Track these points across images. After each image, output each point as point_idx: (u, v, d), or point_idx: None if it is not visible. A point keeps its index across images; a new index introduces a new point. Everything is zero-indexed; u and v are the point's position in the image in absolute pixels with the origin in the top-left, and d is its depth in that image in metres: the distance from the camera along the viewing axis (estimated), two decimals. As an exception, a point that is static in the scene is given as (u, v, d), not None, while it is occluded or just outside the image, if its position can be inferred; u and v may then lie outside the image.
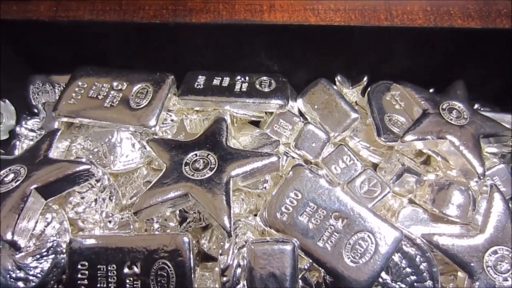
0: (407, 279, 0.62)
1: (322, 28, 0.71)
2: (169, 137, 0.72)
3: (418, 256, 0.62)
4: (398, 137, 0.70)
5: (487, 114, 0.76)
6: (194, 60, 0.81)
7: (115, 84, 0.72)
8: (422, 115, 0.71)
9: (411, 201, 0.71)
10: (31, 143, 0.73)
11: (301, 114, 0.79)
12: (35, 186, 0.58)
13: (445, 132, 0.68)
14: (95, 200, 0.66)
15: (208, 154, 0.62)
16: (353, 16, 0.71)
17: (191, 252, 0.57)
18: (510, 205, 0.66)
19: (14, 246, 0.55)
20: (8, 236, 0.54)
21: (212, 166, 0.60)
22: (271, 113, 0.75)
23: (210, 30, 0.72)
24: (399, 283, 0.62)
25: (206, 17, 0.71)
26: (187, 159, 0.62)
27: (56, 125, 0.73)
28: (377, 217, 0.61)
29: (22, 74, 0.81)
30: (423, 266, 0.62)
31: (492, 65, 0.84)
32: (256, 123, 0.79)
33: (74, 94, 0.72)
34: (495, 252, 0.61)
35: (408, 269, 0.62)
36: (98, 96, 0.71)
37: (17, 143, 0.73)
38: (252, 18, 0.70)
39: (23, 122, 0.76)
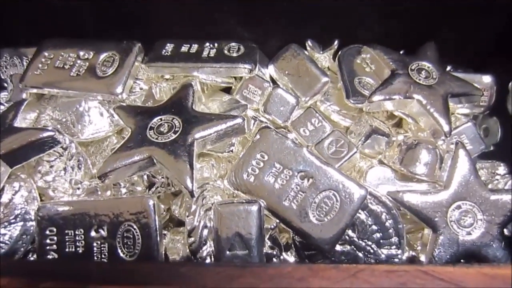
0: (373, 236, 0.63)
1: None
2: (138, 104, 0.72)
3: (384, 214, 0.63)
4: (367, 99, 0.71)
5: (459, 75, 0.76)
6: (165, 30, 0.81)
7: (81, 53, 0.72)
8: (391, 76, 0.70)
9: (380, 162, 0.71)
10: (-1, 115, 0.73)
11: (273, 81, 0.79)
12: (-1, 153, 0.59)
13: (413, 91, 0.68)
14: (64, 169, 0.66)
15: (173, 118, 0.62)
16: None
17: (156, 214, 0.58)
18: (476, 163, 0.67)
19: (-22, 212, 0.56)
20: (-28, 202, 0.55)
21: (176, 130, 0.61)
22: (241, 78, 0.74)
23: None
24: (365, 240, 0.63)
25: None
26: (152, 123, 0.62)
27: (24, 96, 0.72)
28: (342, 176, 0.61)
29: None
30: (388, 223, 0.63)
31: (466, 29, 0.84)
32: (227, 91, 0.79)
33: (40, 65, 0.71)
34: (459, 207, 0.62)
35: (374, 227, 0.63)
36: (65, 66, 0.71)
37: (-14, 116, 0.73)
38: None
39: (-8, 96, 0.76)
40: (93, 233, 0.58)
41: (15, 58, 0.78)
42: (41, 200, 0.65)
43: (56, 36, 0.76)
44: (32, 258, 0.63)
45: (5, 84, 0.79)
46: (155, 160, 0.59)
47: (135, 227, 0.57)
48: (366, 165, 0.71)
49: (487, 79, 0.80)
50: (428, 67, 0.72)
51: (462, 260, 0.61)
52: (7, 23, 0.80)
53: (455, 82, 0.72)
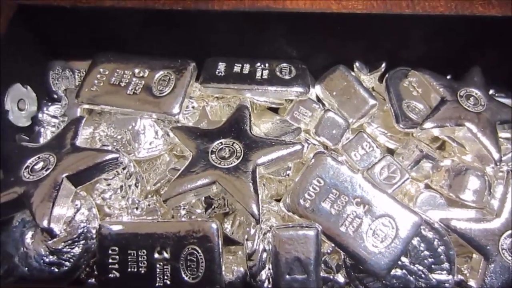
0: (425, 261, 0.65)
1: (343, 15, 0.71)
2: (191, 124, 0.73)
3: (436, 240, 0.65)
4: (416, 123, 0.72)
5: (502, 100, 0.78)
6: (214, 47, 0.82)
7: (136, 71, 0.73)
8: (440, 102, 0.72)
9: (427, 186, 0.73)
10: (54, 129, 0.74)
11: (319, 100, 0.80)
12: (66, 174, 0.60)
13: (463, 119, 0.70)
14: (121, 187, 0.67)
15: (233, 143, 0.63)
16: (375, 4, 0.71)
17: (220, 238, 0.59)
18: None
19: (50, 233, 0.57)
20: (45, 223, 0.56)
21: (238, 155, 0.62)
22: (291, 99, 0.76)
23: (232, 17, 0.72)
24: (417, 265, 0.65)
25: (228, 4, 0.71)
26: (213, 147, 0.63)
27: (78, 111, 0.73)
28: (397, 203, 0.63)
29: (42, 61, 0.81)
30: (440, 249, 0.64)
31: (507, 52, 0.85)
32: (274, 110, 0.80)
33: (96, 81, 0.72)
34: (511, 236, 0.63)
35: (426, 252, 0.65)
36: (121, 83, 0.72)
37: (41, 130, 0.74)
38: (274, 6, 0.70)
39: (45, 109, 0.77)
40: (156, 255, 0.60)
41: (67, 71, 0.79)
42: (98, 217, 0.66)
43: (104, 49, 0.77)
44: (85, 272, 0.65)
45: (55, 96, 0.80)
46: (217, 185, 0.60)
47: (198, 250, 0.59)
48: (414, 189, 0.73)
49: (528, 104, 0.81)
50: (476, 94, 0.73)
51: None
52: (56, 35, 0.80)
53: (502, 109, 0.73)
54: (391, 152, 0.77)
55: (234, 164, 0.61)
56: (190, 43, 0.82)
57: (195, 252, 0.59)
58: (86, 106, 0.72)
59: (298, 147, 0.63)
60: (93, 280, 0.65)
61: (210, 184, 0.60)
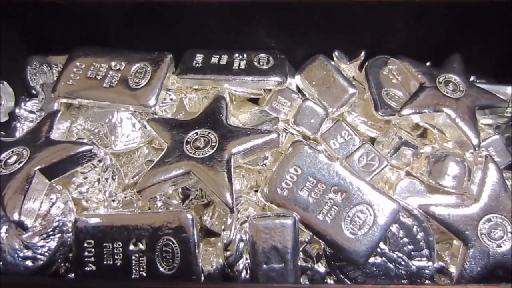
0: (405, 248, 0.64)
1: (321, 4, 0.70)
2: (169, 116, 0.72)
3: (415, 226, 0.64)
4: (395, 111, 0.71)
5: (483, 86, 0.77)
6: (194, 39, 0.81)
7: (113, 64, 0.72)
8: (419, 89, 0.71)
9: (408, 174, 0.73)
10: (31, 124, 0.74)
11: (299, 90, 0.80)
12: (38, 167, 0.59)
13: (442, 105, 0.69)
14: (98, 180, 0.67)
15: (209, 133, 0.63)
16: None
17: (195, 228, 0.59)
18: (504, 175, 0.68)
19: (22, 226, 0.56)
20: (15, 216, 0.55)
21: (213, 144, 0.61)
22: (270, 90, 0.75)
23: (213, 9, 0.72)
24: (396, 252, 0.64)
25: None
26: (188, 138, 0.63)
27: (55, 106, 0.73)
28: (375, 190, 0.62)
29: (21, 56, 0.80)
30: (420, 235, 0.64)
31: (490, 39, 0.84)
32: (254, 101, 0.80)
33: (72, 75, 0.71)
34: (489, 220, 0.63)
35: (405, 239, 0.64)
36: (97, 76, 0.71)
37: (18, 125, 0.73)
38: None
39: (22, 104, 0.76)
40: (131, 247, 0.59)
41: (44, 66, 0.79)
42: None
43: (85, 44, 0.76)
44: (64, 267, 0.64)
45: (34, 92, 0.79)
46: (193, 175, 0.60)
47: (174, 241, 0.58)
48: (394, 177, 0.72)
49: (510, 90, 0.81)
50: (455, 80, 0.73)
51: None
52: (36, 30, 0.80)
53: (481, 95, 0.73)
54: (372, 141, 0.76)
55: (208, 153, 0.60)
56: (171, 36, 0.82)
57: (170, 243, 0.58)
58: (63, 100, 0.72)
59: (273, 135, 0.63)
60: (73, 275, 0.64)
61: (184, 174, 0.60)
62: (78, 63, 0.73)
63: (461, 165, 0.68)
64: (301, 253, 0.64)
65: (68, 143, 0.62)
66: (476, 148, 0.68)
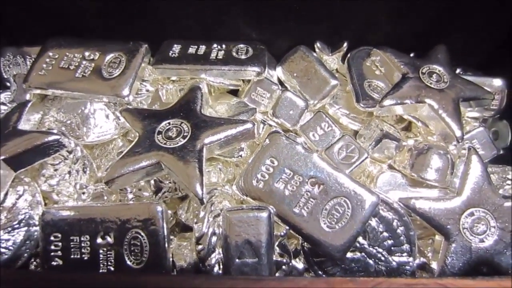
0: (384, 243, 0.62)
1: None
2: (144, 107, 0.70)
3: (395, 221, 0.62)
4: (377, 102, 0.69)
5: (469, 78, 0.75)
6: (173, 30, 0.79)
7: (87, 54, 0.70)
8: (401, 80, 0.69)
9: (390, 167, 0.70)
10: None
11: (281, 82, 0.78)
12: (3, 157, 0.57)
13: (424, 96, 0.67)
14: (69, 172, 0.65)
15: (182, 122, 0.61)
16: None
17: (164, 221, 0.57)
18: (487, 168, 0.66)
19: (-17, 217, 0.54)
20: (-25, 207, 0.53)
21: (185, 134, 0.59)
22: (249, 81, 0.73)
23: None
24: (376, 247, 0.62)
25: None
26: (160, 128, 0.61)
27: (27, 97, 0.71)
28: (354, 182, 0.60)
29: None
30: (400, 230, 0.62)
31: (477, 31, 0.83)
32: (234, 93, 0.78)
33: (45, 65, 0.70)
34: (472, 214, 0.61)
35: (385, 234, 0.62)
36: (70, 67, 0.69)
37: (-11, 117, 0.71)
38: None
39: (-5, 96, 0.74)
40: (99, 240, 0.57)
41: (18, 57, 0.77)
42: (45, 204, 0.63)
43: (60, 35, 0.75)
44: (35, 263, 0.62)
45: (8, 84, 0.77)
46: (163, 166, 0.58)
47: (142, 234, 0.56)
48: (376, 170, 0.70)
49: (497, 82, 0.79)
50: (439, 71, 0.71)
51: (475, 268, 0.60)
52: (10, 21, 0.78)
53: (466, 86, 0.71)
54: (355, 134, 0.74)
55: (180, 143, 0.58)
56: (149, 27, 0.80)
57: (139, 236, 0.56)
58: (35, 91, 0.70)
59: (248, 125, 0.61)
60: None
61: (155, 165, 0.58)
62: (51, 54, 0.71)
63: (444, 158, 0.66)
64: (277, 248, 0.62)
65: (35, 133, 0.60)
66: (460, 140, 0.66)
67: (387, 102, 0.67)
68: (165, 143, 0.59)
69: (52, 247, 0.58)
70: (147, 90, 0.72)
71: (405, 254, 0.62)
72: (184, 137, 0.59)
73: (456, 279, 0.42)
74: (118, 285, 0.41)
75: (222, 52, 0.72)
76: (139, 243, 0.56)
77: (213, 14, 0.78)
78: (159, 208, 0.57)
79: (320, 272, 0.63)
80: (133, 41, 0.72)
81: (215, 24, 0.78)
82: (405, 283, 0.40)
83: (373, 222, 0.62)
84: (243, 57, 0.71)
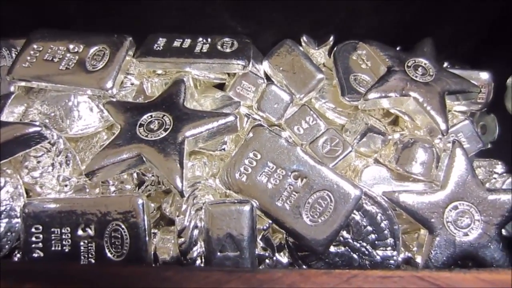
0: (368, 237, 0.62)
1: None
2: (129, 100, 0.70)
3: (379, 215, 0.62)
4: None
5: (457, 71, 0.75)
6: (158, 23, 0.79)
7: (71, 46, 0.70)
8: (386, 73, 0.69)
9: (376, 161, 0.70)
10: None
11: (267, 77, 0.78)
12: (-17, 149, 0.57)
13: (409, 89, 0.67)
14: (52, 164, 0.64)
15: (164, 115, 0.61)
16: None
17: (145, 214, 0.56)
18: (473, 161, 0.65)
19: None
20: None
21: (166, 127, 0.59)
22: (234, 75, 0.73)
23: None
24: (360, 241, 0.62)
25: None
26: (142, 120, 0.60)
27: (11, 89, 0.70)
28: (337, 176, 0.60)
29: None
30: (384, 224, 0.62)
31: (465, 24, 0.82)
32: (220, 87, 0.77)
33: (29, 58, 0.69)
34: (456, 208, 0.60)
35: (369, 228, 0.62)
36: (54, 59, 0.69)
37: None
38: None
39: (-21, 89, 0.74)
40: (80, 232, 0.57)
41: (3, 50, 0.76)
42: (28, 197, 0.63)
43: (44, 27, 0.74)
44: (18, 255, 0.62)
45: (-8, 77, 0.77)
46: (144, 158, 0.57)
47: (123, 226, 0.56)
48: (362, 164, 0.70)
49: (484, 75, 0.78)
50: (425, 64, 0.71)
51: (459, 262, 0.60)
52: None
53: (452, 79, 0.71)
54: (342, 128, 0.74)
55: (161, 136, 0.58)
56: (132, 20, 0.79)
57: (120, 228, 0.56)
58: (19, 84, 0.69)
59: (230, 118, 0.60)
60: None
61: (136, 158, 0.57)
62: (35, 46, 0.70)
63: (429, 151, 0.66)
64: (260, 242, 0.62)
65: (16, 124, 0.60)
66: (444, 134, 0.65)
67: (371, 95, 0.66)
68: (146, 136, 0.58)
69: (33, 239, 0.57)
70: (132, 84, 0.71)
71: (389, 248, 0.61)
72: (165, 130, 0.59)
73: (432, 271, 0.41)
74: (90, 275, 0.40)
75: (207, 45, 0.71)
76: (119, 236, 0.56)
77: (198, 8, 0.77)
78: (140, 201, 0.56)
79: (304, 266, 0.63)
80: (117, 34, 0.71)
81: (200, 17, 0.77)
82: (381, 275, 0.39)
83: (357, 216, 0.62)
84: (228, 50, 0.70)
